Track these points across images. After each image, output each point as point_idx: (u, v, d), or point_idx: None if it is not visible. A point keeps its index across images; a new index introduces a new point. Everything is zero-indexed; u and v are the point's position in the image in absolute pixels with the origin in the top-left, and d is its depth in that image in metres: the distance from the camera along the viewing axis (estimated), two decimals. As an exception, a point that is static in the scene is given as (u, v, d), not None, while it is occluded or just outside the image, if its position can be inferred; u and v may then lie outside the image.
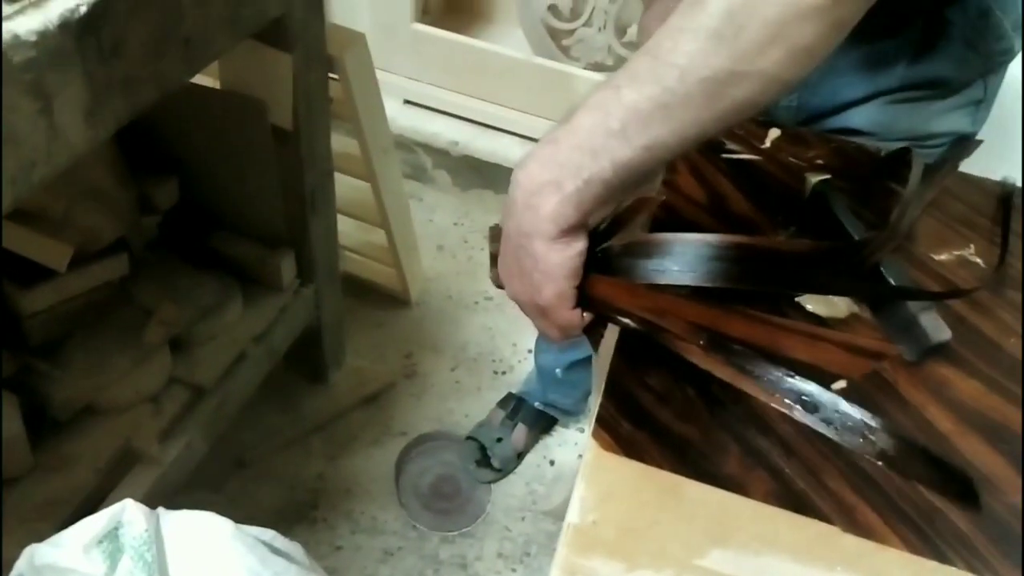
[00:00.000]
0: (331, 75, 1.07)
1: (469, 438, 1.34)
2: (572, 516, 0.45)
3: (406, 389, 1.42)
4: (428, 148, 1.84)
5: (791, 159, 0.74)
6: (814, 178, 0.67)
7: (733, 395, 0.52)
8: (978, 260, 0.65)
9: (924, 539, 0.46)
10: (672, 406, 0.51)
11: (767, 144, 0.75)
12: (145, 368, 1.00)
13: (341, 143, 1.22)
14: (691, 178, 0.71)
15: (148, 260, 1.10)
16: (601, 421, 0.50)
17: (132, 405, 0.99)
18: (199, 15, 0.72)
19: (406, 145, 1.84)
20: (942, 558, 0.45)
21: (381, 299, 1.54)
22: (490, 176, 1.82)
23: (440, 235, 1.74)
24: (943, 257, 0.65)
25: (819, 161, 0.74)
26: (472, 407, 1.41)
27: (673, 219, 0.67)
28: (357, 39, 1.05)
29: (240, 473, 1.27)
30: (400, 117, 1.89)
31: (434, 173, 1.84)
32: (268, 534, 0.66)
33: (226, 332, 1.09)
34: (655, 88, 0.42)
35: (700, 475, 0.47)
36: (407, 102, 1.89)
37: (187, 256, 1.13)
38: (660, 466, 0.48)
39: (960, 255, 0.66)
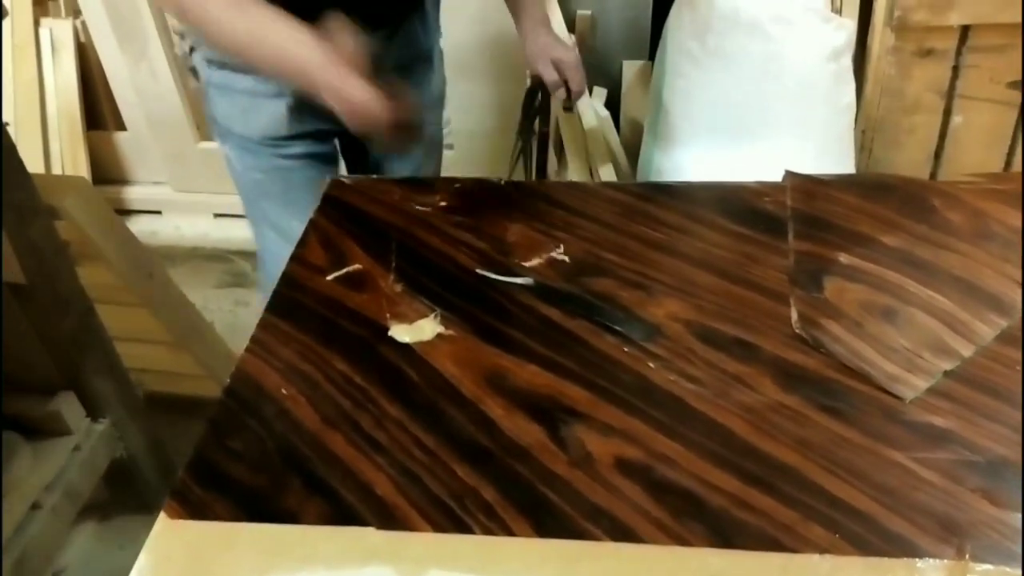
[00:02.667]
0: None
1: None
2: (126, 587, 0.50)
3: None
4: (245, 254, 1.91)
5: (417, 207, 0.83)
6: None
7: (307, 436, 0.59)
8: (565, 258, 0.74)
9: (451, 517, 0.52)
10: (246, 462, 0.57)
11: (396, 197, 0.84)
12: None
13: (108, 277, 1.28)
14: (319, 247, 0.78)
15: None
16: (174, 492, 0.55)
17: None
18: None
19: (223, 256, 1.91)
20: (466, 529, 0.52)
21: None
22: (314, 265, 1.89)
23: (273, 334, 1.78)
24: (533, 262, 0.74)
25: (443, 203, 0.83)
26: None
27: (299, 287, 0.74)
28: (77, 183, 1.12)
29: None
30: (213, 231, 1.96)
31: (256, 277, 1.90)
32: None
33: (16, 487, 1.11)
34: None
35: (258, 516, 0.53)
36: (217, 215, 1.96)
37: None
38: (222, 519, 0.53)
39: (550, 256, 0.74)
